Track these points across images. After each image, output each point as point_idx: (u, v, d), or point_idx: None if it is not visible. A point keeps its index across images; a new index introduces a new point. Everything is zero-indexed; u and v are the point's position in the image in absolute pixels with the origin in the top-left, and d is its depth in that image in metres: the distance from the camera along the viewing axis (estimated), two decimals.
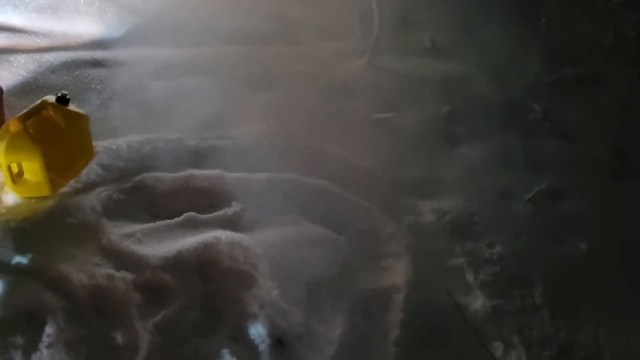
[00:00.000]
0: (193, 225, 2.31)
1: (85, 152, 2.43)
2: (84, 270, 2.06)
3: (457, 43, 3.71)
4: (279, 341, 1.98)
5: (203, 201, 2.45)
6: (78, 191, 2.34)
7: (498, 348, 2.05)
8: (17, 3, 3.31)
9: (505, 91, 3.40)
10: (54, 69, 2.99)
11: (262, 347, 1.95)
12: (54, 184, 2.26)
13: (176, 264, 2.13)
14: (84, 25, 3.32)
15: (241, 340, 1.96)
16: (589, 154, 3.02)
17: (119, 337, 1.93)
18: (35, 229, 2.15)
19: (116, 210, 2.32)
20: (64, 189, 2.32)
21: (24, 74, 2.90)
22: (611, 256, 2.47)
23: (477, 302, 2.17)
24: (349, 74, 3.30)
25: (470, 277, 2.27)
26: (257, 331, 1.99)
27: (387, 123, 2.97)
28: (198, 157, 2.63)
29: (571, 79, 3.63)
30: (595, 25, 4.03)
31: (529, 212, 2.63)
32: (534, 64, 3.63)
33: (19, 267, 2.03)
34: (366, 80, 3.24)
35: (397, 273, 2.22)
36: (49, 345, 1.85)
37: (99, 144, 2.53)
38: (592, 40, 3.97)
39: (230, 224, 2.33)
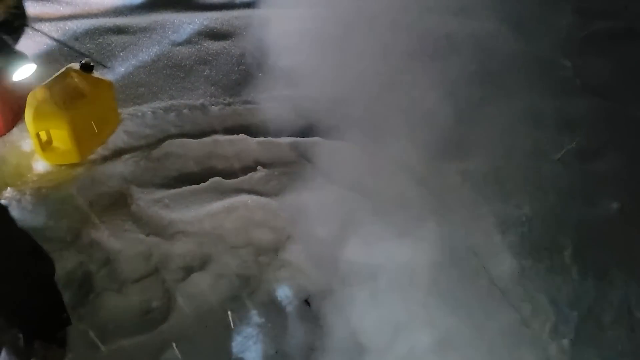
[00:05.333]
0: (219, 190, 2.33)
1: (111, 119, 2.45)
2: (115, 235, 2.10)
3: None
4: (306, 302, 2.00)
5: (228, 166, 2.46)
6: (105, 158, 2.38)
7: (526, 309, 2.04)
8: None
9: (534, 48, 3.28)
10: (78, 37, 3.00)
11: (290, 308, 1.98)
12: (82, 151, 2.29)
13: (204, 228, 2.16)
14: None
15: (269, 302, 2.00)
16: (621, 112, 2.92)
17: (151, 300, 1.98)
18: (66, 196, 2.19)
19: (143, 177, 2.35)
20: (92, 156, 2.36)
21: (48, 42, 2.91)
22: None
23: (505, 263, 2.16)
24: (371, 34, 3.22)
25: (497, 239, 2.24)
26: (285, 293, 2.01)
27: (410, 84, 2.91)
28: (222, 123, 2.63)
29: (604, 33, 3.49)
30: None
31: (559, 171, 2.57)
32: (565, 18, 3.50)
33: (52, 233, 2.09)
34: (390, 40, 3.16)
35: (423, 235, 2.21)
36: (88, 306, 1.92)
37: (124, 111, 2.55)
38: None
39: (256, 188, 2.34)
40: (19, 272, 1.62)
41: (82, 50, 2.87)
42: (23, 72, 1.45)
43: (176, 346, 1.84)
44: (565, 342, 1.97)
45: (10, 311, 1.73)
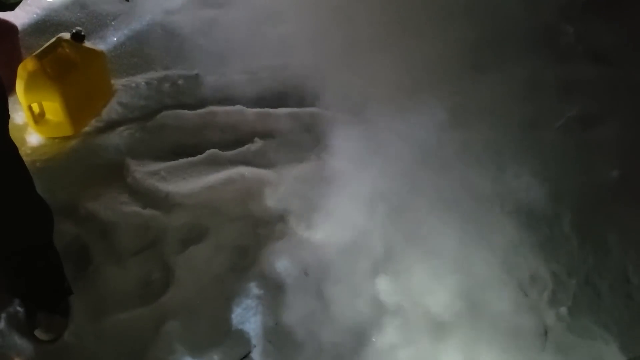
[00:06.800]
0: (216, 162, 2.31)
1: (104, 90, 2.42)
2: (112, 208, 2.10)
3: None
4: (305, 274, 2.01)
5: (225, 138, 2.44)
6: (100, 130, 2.35)
7: (524, 278, 2.05)
8: None
9: (535, 13, 3.21)
10: (68, 6, 2.92)
11: (289, 280, 1.99)
12: (75, 124, 2.26)
13: (201, 201, 2.15)
14: None
15: (268, 274, 2.00)
16: (624, 78, 2.88)
17: (150, 272, 1.99)
18: (61, 169, 2.18)
19: (139, 149, 2.33)
20: (86, 129, 2.33)
21: (38, 11, 2.85)
22: None
23: (504, 233, 2.15)
24: (367, 1, 3.15)
25: (496, 208, 2.23)
26: (284, 265, 2.01)
27: (409, 51, 2.85)
28: (218, 93, 2.59)
29: None
30: None
31: (559, 140, 2.55)
32: None
33: None
34: (386, 7, 3.09)
35: (422, 207, 2.20)
36: (86, 279, 1.92)
37: (117, 82, 2.50)
38: None
39: (253, 160, 2.33)
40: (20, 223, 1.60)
41: (73, 20, 2.80)
42: None
43: (176, 318, 1.85)
44: (563, 309, 1.98)
45: (11, 278, 1.73)
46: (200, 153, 2.33)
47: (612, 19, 3.22)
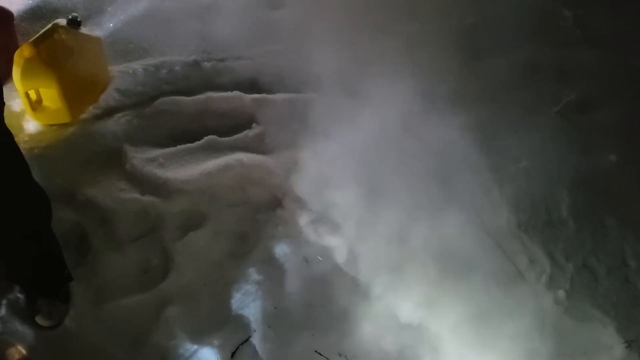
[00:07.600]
0: (214, 149, 2.31)
1: (101, 76, 2.40)
2: (110, 195, 2.09)
3: None
4: (304, 259, 2.01)
5: (223, 124, 2.43)
6: (97, 117, 2.33)
7: (522, 262, 2.06)
8: None
9: None
10: None
11: (288, 265, 1.99)
12: (73, 110, 2.25)
13: (199, 187, 2.15)
14: None
15: (267, 259, 2.01)
16: (622, 63, 2.88)
17: (150, 259, 1.99)
18: (59, 156, 2.17)
19: (137, 136, 2.32)
20: (84, 115, 2.31)
21: None
22: None
23: (503, 218, 2.16)
24: None
25: (495, 193, 2.24)
26: (283, 251, 2.02)
27: (409, 36, 2.84)
28: (216, 79, 2.58)
29: None
30: None
31: (557, 124, 2.55)
32: None
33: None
34: None
35: (421, 190, 2.20)
36: (86, 266, 1.93)
37: (114, 69, 2.49)
38: None
39: (251, 146, 2.33)
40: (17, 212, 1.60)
41: (69, 6, 2.77)
42: None
43: (176, 304, 1.86)
44: (561, 293, 2.00)
45: (11, 266, 1.73)
46: (198, 139, 2.32)
47: (610, 4, 3.21)
